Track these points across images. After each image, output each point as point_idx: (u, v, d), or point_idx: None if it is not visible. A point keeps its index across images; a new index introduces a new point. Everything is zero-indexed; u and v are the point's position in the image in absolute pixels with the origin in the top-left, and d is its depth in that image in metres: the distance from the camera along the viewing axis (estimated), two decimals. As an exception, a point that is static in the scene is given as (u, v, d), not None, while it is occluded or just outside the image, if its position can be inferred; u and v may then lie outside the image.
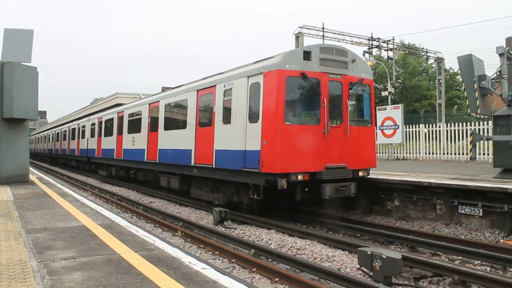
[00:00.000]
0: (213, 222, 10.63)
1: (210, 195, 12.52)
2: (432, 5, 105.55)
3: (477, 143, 12.79)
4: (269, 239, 8.93)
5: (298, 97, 10.31)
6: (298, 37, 27.26)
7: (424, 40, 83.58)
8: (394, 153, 21.00)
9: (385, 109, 20.31)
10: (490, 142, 13.11)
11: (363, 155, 10.82)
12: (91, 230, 6.43)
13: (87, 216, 7.72)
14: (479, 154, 15.82)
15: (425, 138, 19.84)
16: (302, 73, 9.76)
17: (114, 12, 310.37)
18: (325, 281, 6.32)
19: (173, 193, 15.43)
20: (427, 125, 20.57)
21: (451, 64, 47.06)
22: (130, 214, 12.64)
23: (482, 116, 13.51)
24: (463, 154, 17.55)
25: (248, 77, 10.45)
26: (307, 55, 9.97)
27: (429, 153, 19.52)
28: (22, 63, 13.91)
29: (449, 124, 19.16)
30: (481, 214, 9.23)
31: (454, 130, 18.18)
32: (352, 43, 29.60)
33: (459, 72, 28.75)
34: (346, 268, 6.97)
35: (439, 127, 19.71)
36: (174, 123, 14.79)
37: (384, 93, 30.90)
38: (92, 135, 25.28)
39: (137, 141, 17.68)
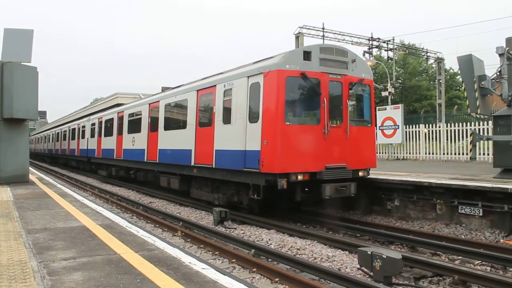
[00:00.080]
0: (213, 222, 10.63)
1: (210, 195, 12.52)
2: (432, 5, 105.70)
3: (477, 143, 12.81)
4: (269, 239, 8.92)
5: (298, 97, 10.30)
6: (298, 37, 27.29)
7: (424, 40, 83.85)
8: (394, 153, 21.00)
9: (385, 109, 20.31)
10: (490, 142, 13.09)
11: (363, 155, 10.82)
12: (91, 230, 6.43)
13: (87, 216, 7.72)
14: (479, 154, 15.82)
15: (425, 138, 19.83)
16: (302, 73, 9.76)
17: (114, 12, 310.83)
18: (325, 281, 6.32)
19: (173, 193, 15.42)
20: (427, 125, 20.57)
21: (451, 64, 47.18)
22: (130, 214, 12.64)
23: (482, 116, 13.52)
24: (463, 154, 17.56)
25: (248, 77, 10.45)
26: (307, 55, 9.97)
27: (429, 153, 19.51)
28: (22, 63, 13.91)
29: (449, 124, 19.16)
30: (481, 214, 9.24)
31: (454, 130, 18.19)
32: (352, 43, 29.63)
33: (459, 72, 28.81)
34: (346, 268, 6.97)
35: (439, 127, 19.70)
36: (174, 123, 14.78)
37: (384, 93, 30.93)
38: (92, 135, 25.27)
39: (137, 141, 17.67)
